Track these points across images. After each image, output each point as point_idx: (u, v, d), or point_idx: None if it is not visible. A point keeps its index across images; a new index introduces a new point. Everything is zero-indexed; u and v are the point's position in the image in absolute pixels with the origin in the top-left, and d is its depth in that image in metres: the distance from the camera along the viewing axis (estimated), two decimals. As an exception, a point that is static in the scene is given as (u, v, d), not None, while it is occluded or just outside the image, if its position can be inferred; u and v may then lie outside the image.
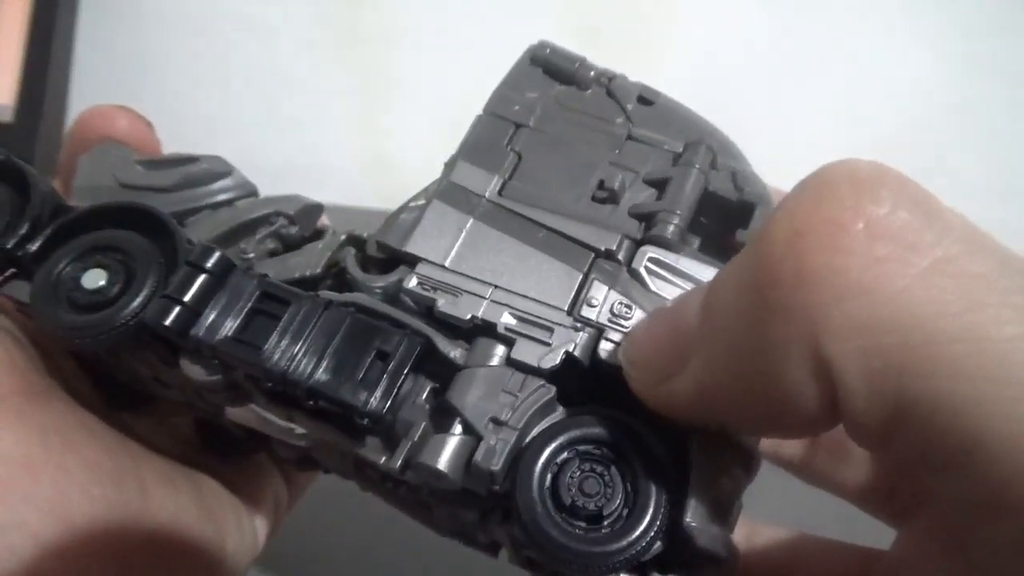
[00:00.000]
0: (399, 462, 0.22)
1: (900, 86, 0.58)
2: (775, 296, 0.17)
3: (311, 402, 0.23)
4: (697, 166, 0.25)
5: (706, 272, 0.23)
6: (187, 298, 0.23)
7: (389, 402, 0.22)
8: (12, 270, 0.26)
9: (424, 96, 0.56)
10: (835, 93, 0.58)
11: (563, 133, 0.26)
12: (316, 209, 0.31)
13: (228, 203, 0.31)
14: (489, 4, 0.60)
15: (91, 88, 0.54)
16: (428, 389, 0.23)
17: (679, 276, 0.23)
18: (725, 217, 0.25)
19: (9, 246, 0.25)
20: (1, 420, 0.24)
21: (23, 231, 0.26)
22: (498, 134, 0.26)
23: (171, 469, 0.30)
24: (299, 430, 0.26)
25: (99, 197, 0.30)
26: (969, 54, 0.60)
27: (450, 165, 0.26)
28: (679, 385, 0.19)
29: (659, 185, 0.25)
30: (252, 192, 0.31)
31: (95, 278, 0.24)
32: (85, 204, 0.28)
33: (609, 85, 0.27)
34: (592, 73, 0.27)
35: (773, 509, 0.32)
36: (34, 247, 0.25)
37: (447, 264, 0.24)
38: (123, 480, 0.27)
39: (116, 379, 0.32)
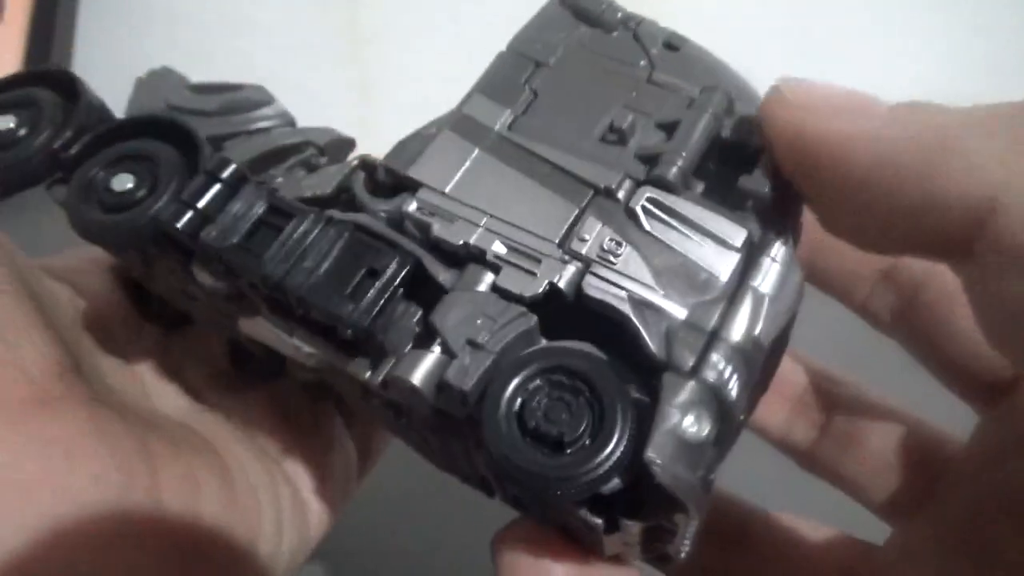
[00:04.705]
0: (380, 377, 0.23)
1: (899, 86, 0.55)
2: None
3: (302, 311, 0.24)
4: (710, 111, 0.24)
5: (706, 217, 0.23)
6: (200, 204, 0.24)
7: (373, 316, 0.23)
8: (58, 174, 0.28)
9: (423, 96, 0.55)
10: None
11: (582, 73, 0.26)
12: (347, 143, 0.32)
13: (266, 130, 0.32)
14: (489, 3, 0.59)
15: (91, 88, 0.55)
16: (420, 314, 0.24)
17: (677, 219, 0.23)
18: (733, 164, 0.24)
19: (55, 147, 0.27)
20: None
21: (68, 135, 0.27)
22: (517, 70, 0.26)
23: (196, 462, 0.27)
24: (306, 348, 0.27)
25: (149, 116, 0.31)
26: (971, 53, 0.57)
27: (467, 97, 0.26)
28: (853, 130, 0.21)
29: (670, 128, 0.24)
30: (290, 122, 0.33)
31: (123, 181, 0.26)
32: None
33: (636, 29, 0.27)
34: (619, 15, 0.27)
35: (771, 498, 0.31)
36: (75, 151, 0.27)
37: (447, 191, 0.24)
38: (133, 489, 0.24)
39: (155, 298, 0.33)
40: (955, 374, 0.30)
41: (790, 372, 0.33)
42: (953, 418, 0.30)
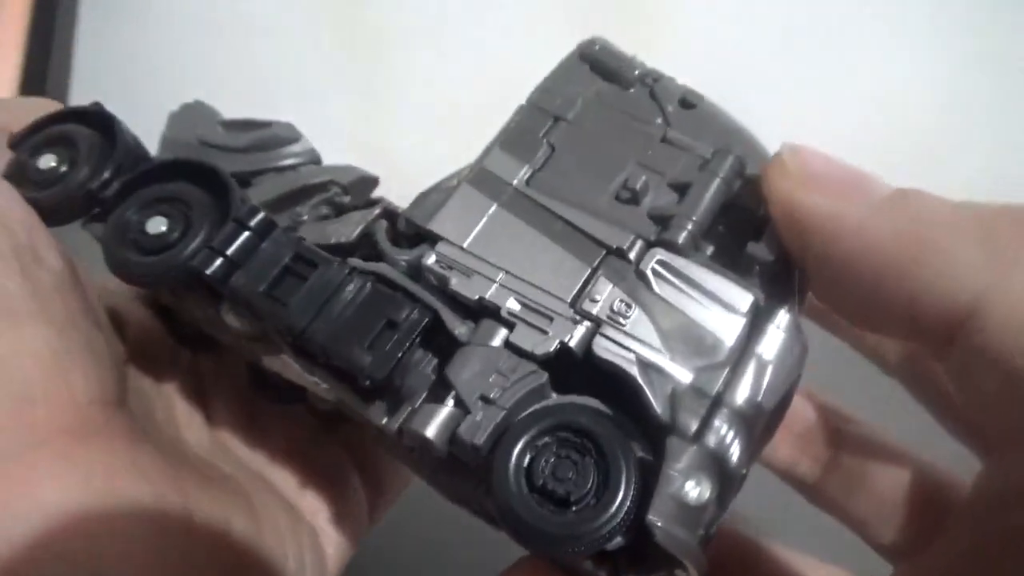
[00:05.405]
0: (396, 425, 0.24)
1: (899, 84, 0.55)
2: None
3: (324, 359, 0.25)
4: (720, 176, 0.25)
5: (714, 281, 0.24)
6: (229, 252, 0.26)
7: (390, 368, 0.24)
8: (96, 210, 0.30)
9: (424, 96, 0.56)
10: (833, 92, 0.56)
11: (598, 130, 0.27)
12: (370, 181, 0.33)
13: (292, 168, 0.33)
14: (489, 4, 0.59)
15: (91, 88, 0.54)
16: (436, 363, 0.25)
17: (685, 282, 0.24)
18: (742, 227, 0.25)
19: (93, 187, 0.28)
20: (45, 466, 0.23)
21: (106, 176, 0.29)
22: (536, 125, 0.27)
23: (227, 504, 0.28)
24: (323, 385, 0.28)
25: (181, 151, 0.33)
26: (970, 52, 0.57)
27: (487, 151, 0.27)
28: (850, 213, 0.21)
29: (681, 190, 0.25)
30: (316, 159, 0.34)
31: (157, 224, 0.27)
32: (168, 156, 0.31)
33: (653, 86, 0.28)
34: (637, 72, 0.28)
35: (780, 530, 0.32)
36: (112, 192, 0.28)
37: (465, 246, 0.25)
38: (169, 524, 0.25)
39: (184, 322, 0.35)
40: (957, 421, 0.31)
41: (799, 408, 0.34)
42: (960, 458, 0.31)
